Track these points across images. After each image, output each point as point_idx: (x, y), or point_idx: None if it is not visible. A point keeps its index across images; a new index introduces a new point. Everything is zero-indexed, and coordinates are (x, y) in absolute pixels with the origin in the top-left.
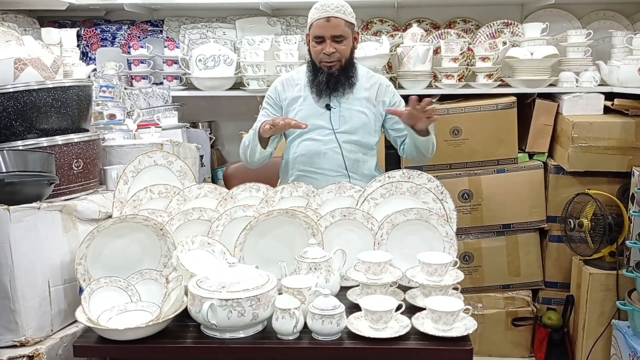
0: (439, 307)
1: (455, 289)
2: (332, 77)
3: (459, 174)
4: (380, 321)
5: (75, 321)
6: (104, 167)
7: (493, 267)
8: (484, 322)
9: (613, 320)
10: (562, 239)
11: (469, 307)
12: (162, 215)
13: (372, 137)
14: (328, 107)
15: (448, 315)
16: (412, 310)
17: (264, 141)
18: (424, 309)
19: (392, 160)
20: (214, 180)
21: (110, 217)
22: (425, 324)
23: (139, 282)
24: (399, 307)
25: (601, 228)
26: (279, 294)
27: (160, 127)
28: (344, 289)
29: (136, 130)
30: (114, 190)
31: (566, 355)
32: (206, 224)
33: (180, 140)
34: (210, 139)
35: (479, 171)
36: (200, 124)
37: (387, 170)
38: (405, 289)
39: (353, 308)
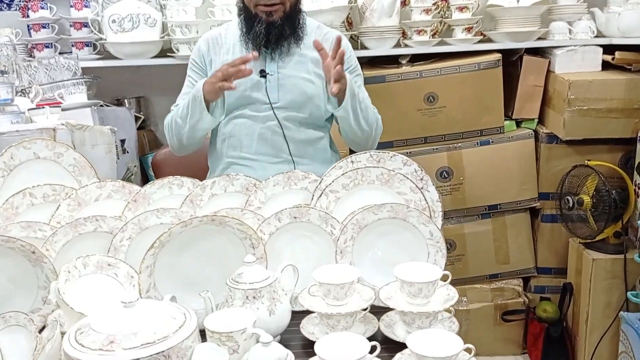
0: (429, 348)
1: (448, 311)
2: (273, 28)
3: (436, 148)
4: None
5: None
6: None
7: (478, 255)
8: (469, 319)
9: (621, 312)
10: (556, 219)
11: (471, 345)
12: (42, 229)
13: (323, 111)
14: (263, 73)
15: None
16: (390, 347)
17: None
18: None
19: None
20: (143, 168)
21: None
22: None
23: (2, 330)
24: (372, 349)
25: (606, 206)
26: (202, 339)
27: (59, 106)
28: (296, 315)
29: (29, 111)
30: None
31: (566, 353)
32: (106, 238)
33: (90, 123)
34: (138, 118)
35: (459, 144)
36: (126, 100)
37: (350, 151)
38: (378, 310)
39: (309, 347)
